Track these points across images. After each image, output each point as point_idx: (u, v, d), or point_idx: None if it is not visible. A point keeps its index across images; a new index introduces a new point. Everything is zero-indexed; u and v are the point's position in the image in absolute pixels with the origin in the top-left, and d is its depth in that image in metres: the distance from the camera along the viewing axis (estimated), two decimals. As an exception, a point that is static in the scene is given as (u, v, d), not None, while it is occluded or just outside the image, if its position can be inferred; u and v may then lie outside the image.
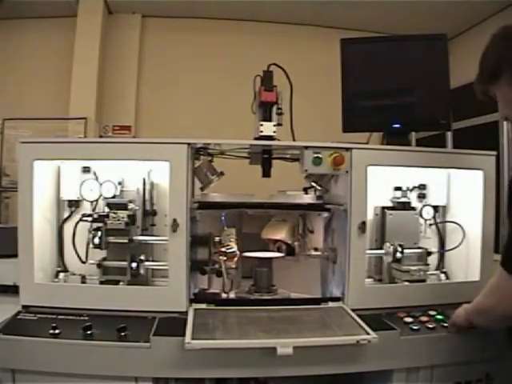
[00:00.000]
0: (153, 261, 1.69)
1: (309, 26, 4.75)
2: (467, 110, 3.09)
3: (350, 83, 1.84)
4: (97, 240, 1.58)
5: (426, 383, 1.42)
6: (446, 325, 1.45)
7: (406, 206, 1.76)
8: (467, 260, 1.74)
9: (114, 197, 1.68)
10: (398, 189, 1.76)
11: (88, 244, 1.65)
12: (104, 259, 1.61)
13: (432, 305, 1.56)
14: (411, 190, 1.79)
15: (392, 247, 1.66)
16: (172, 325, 1.41)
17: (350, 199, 1.56)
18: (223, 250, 1.60)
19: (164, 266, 1.60)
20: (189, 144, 1.52)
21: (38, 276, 1.54)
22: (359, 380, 1.51)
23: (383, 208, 1.75)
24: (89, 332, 1.34)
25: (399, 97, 1.83)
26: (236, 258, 1.62)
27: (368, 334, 1.32)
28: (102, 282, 1.60)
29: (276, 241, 1.82)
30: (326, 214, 1.76)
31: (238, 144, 1.69)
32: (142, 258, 1.63)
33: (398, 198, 1.76)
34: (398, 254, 1.64)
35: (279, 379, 1.41)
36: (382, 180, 1.74)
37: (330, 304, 1.61)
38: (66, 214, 1.74)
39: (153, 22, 4.69)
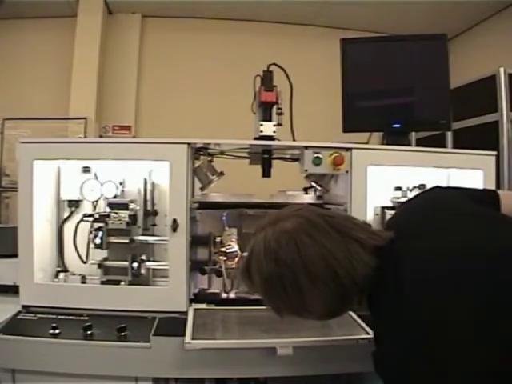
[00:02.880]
0: (154, 261, 1.69)
1: (309, 25, 4.75)
2: (467, 109, 3.09)
3: (350, 83, 1.84)
4: (98, 240, 1.58)
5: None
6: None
7: (406, 206, 1.76)
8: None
9: (115, 197, 1.68)
10: (398, 189, 1.76)
11: (89, 244, 1.66)
12: (105, 259, 1.61)
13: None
14: (411, 190, 1.78)
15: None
16: (172, 325, 1.41)
17: (350, 199, 1.56)
18: (223, 250, 1.60)
19: (165, 266, 1.60)
20: (189, 144, 1.52)
21: (37, 276, 1.55)
22: (359, 380, 1.51)
23: (383, 208, 1.75)
24: (89, 332, 1.34)
25: (399, 97, 1.83)
26: (237, 258, 1.62)
27: (368, 333, 1.32)
28: (103, 282, 1.60)
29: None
30: (325, 214, 1.76)
31: (238, 144, 1.69)
32: (143, 258, 1.63)
33: (398, 198, 1.76)
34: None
35: (279, 379, 1.41)
36: (382, 180, 1.74)
37: (330, 304, 1.60)
38: (65, 214, 1.74)
39: (153, 22, 4.70)
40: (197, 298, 1.61)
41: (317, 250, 0.89)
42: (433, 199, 1.06)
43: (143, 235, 1.66)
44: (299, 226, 0.93)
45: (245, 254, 1.56)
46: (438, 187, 1.13)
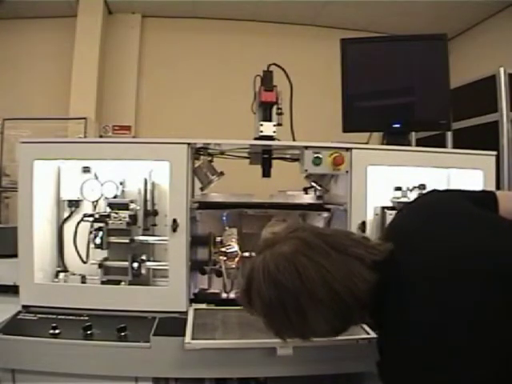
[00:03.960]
0: (154, 261, 1.69)
1: (309, 25, 4.75)
2: (467, 109, 3.09)
3: (350, 83, 1.84)
4: (98, 240, 1.58)
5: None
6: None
7: (406, 206, 1.76)
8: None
9: (115, 197, 1.68)
10: (398, 189, 1.76)
11: (89, 244, 1.66)
12: (105, 259, 1.61)
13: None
14: (411, 190, 1.78)
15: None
16: (172, 325, 1.41)
17: (350, 199, 1.56)
18: (223, 250, 1.60)
19: (165, 266, 1.60)
20: (189, 144, 1.52)
21: (37, 276, 1.55)
22: (359, 380, 1.51)
23: (383, 208, 1.75)
24: (89, 332, 1.34)
25: (399, 97, 1.83)
26: (237, 258, 1.62)
27: (368, 333, 1.32)
28: (103, 282, 1.60)
29: (276, 241, 1.82)
30: (325, 214, 1.76)
31: (238, 144, 1.69)
32: (144, 258, 1.63)
33: (398, 198, 1.75)
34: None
35: (279, 379, 1.41)
36: (382, 180, 1.74)
37: (330, 304, 1.60)
38: (65, 214, 1.74)
39: (153, 22, 4.70)
40: (197, 298, 1.61)
41: (316, 271, 0.88)
42: (431, 202, 1.06)
43: (143, 235, 1.66)
44: (297, 248, 0.91)
45: (248, 255, 1.57)
46: (435, 191, 1.12)
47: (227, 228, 1.65)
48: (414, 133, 3.14)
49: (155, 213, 1.71)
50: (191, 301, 1.54)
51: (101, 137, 4.23)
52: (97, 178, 1.71)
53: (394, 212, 1.73)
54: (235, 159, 1.78)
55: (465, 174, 1.73)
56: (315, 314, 0.90)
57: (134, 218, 1.62)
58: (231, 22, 4.68)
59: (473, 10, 4.19)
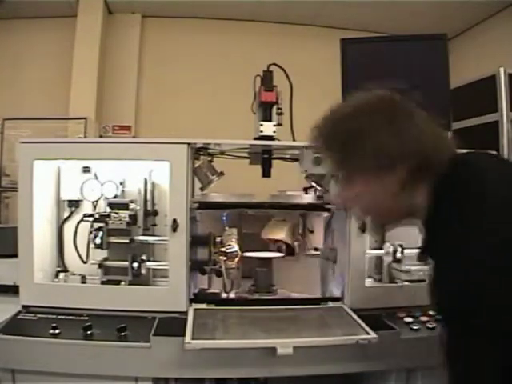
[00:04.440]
0: (154, 261, 1.69)
1: (309, 25, 4.75)
2: (467, 109, 3.09)
3: (350, 83, 1.84)
4: (98, 240, 1.58)
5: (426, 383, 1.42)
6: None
7: (406, 206, 1.75)
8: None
9: (115, 197, 1.68)
10: (398, 189, 1.76)
11: (89, 244, 1.66)
12: (105, 259, 1.61)
13: (432, 305, 1.56)
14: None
15: (392, 247, 1.66)
16: (172, 325, 1.41)
17: (350, 199, 1.56)
18: (223, 249, 1.60)
19: (165, 266, 1.60)
20: (189, 144, 1.52)
21: (37, 276, 1.55)
22: (359, 380, 1.51)
23: (383, 208, 1.75)
24: (89, 332, 1.34)
25: (399, 97, 1.83)
26: (237, 258, 1.62)
27: (368, 333, 1.32)
28: (103, 282, 1.60)
29: (276, 241, 1.82)
30: (326, 214, 1.76)
31: (238, 144, 1.69)
32: (144, 258, 1.63)
33: (398, 198, 1.75)
34: (398, 254, 1.64)
35: (279, 379, 1.41)
36: (382, 180, 1.74)
37: (330, 304, 1.61)
38: (65, 214, 1.74)
39: (153, 22, 4.70)
40: (197, 298, 1.61)
41: (405, 120, 0.92)
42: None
43: (143, 235, 1.66)
44: (386, 103, 0.95)
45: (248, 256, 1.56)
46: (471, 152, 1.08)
47: (227, 228, 1.65)
48: (414, 133, 3.13)
49: (155, 213, 1.71)
50: (191, 301, 1.54)
51: (101, 137, 4.23)
52: (97, 177, 1.71)
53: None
54: (235, 159, 1.78)
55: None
56: (389, 161, 0.89)
57: (134, 218, 1.62)
58: (231, 21, 4.68)
59: (473, 9, 4.19)
